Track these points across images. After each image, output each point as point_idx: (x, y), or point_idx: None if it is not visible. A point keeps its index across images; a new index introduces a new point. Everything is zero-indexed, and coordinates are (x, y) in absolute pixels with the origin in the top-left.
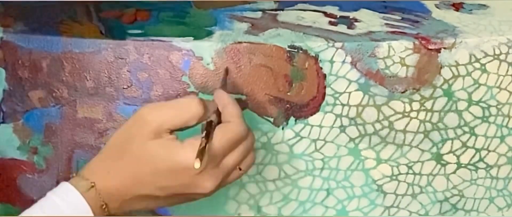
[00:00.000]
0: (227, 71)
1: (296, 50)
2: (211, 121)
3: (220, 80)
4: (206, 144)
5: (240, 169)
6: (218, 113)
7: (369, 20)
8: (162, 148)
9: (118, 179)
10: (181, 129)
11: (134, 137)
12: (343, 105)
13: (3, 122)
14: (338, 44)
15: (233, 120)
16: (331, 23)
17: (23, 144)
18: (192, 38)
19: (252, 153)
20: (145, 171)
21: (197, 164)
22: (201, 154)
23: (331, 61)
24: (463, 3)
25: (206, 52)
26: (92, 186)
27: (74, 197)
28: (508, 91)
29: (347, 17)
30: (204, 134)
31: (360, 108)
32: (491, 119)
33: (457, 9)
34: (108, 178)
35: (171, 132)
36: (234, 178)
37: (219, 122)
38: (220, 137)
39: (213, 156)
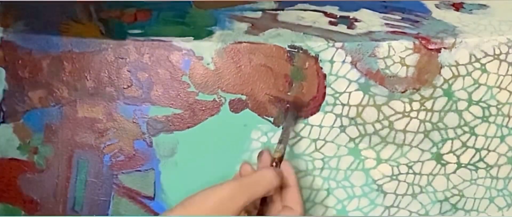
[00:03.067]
0: (288, 108)
1: (296, 50)
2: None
3: (287, 118)
4: None
5: None
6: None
7: (369, 20)
8: None
9: None
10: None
11: (219, 212)
12: (343, 105)
13: (3, 122)
14: (338, 44)
15: (297, 209)
16: (331, 23)
17: (23, 144)
18: (192, 38)
19: None
20: None
21: None
22: None
23: (331, 61)
24: (463, 3)
25: (206, 52)
26: None
27: None
28: (508, 91)
29: (347, 17)
30: None
31: (360, 108)
32: (491, 119)
33: (457, 9)
34: None
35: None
36: None
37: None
38: None
39: None
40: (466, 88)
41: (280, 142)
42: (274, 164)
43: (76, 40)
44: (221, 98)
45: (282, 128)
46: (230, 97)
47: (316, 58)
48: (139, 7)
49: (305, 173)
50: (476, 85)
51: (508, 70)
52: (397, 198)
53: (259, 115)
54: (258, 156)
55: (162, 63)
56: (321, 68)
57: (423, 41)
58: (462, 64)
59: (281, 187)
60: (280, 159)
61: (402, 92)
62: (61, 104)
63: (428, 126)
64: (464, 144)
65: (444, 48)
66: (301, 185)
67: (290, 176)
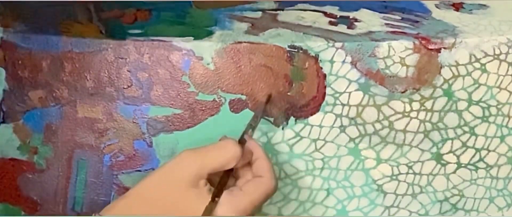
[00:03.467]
0: (269, 98)
1: (296, 50)
2: (231, 170)
3: (259, 104)
4: (213, 198)
5: None
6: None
7: (369, 20)
8: (199, 198)
9: None
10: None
11: (172, 184)
12: (343, 105)
13: (3, 122)
14: (338, 44)
15: (265, 175)
16: (331, 23)
17: (23, 144)
18: (192, 38)
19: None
20: None
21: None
22: (208, 211)
23: (331, 61)
24: (463, 3)
25: (206, 52)
26: None
27: None
28: (508, 91)
29: (347, 17)
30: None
31: (360, 108)
32: (491, 119)
33: (457, 9)
34: None
35: (208, 179)
36: None
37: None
38: (254, 191)
39: (248, 211)
40: (466, 88)
41: (246, 128)
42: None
43: (76, 40)
44: (221, 98)
45: (254, 115)
46: (230, 97)
47: (316, 58)
48: (139, 7)
49: (305, 173)
50: (476, 85)
51: (508, 70)
52: (397, 198)
53: None
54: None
55: (162, 63)
56: (321, 68)
57: (423, 41)
58: (462, 64)
59: (250, 163)
60: (243, 142)
61: (402, 92)
62: (61, 104)
63: (428, 126)
64: (464, 144)
65: (444, 48)
66: (301, 185)
67: (256, 149)
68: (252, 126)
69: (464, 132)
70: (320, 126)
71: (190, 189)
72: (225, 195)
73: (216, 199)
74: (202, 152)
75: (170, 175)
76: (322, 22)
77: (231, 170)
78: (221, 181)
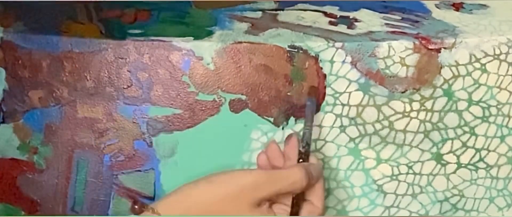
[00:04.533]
0: (314, 95)
1: (296, 50)
2: (300, 196)
3: (308, 107)
4: None
5: None
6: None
7: (369, 20)
8: None
9: None
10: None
11: (237, 198)
12: (343, 105)
13: (3, 122)
14: (338, 44)
15: (318, 204)
16: (331, 23)
17: (23, 144)
18: (192, 38)
19: None
20: None
21: None
22: None
23: (331, 61)
24: (463, 3)
25: (206, 52)
26: None
27: None
28: (508, 91)
29: (347, 17)
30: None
31: (360, 108)
32: (491, 119)
33: (457, 9)
34: None
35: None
36: None
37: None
38: None
39: None
40: (466, 88)
41: (303, 135)
42: (300, 159)
43: (76, 40)
44: (221, 98)
45: (304, 121)
46: (230, 97)
47: (316, 58)
48: (139, 7)
49: None
50: (476, 85)
51: (508, 70)
52: (397, 198)
53: (259, 115)
54: (287, 139)
55: (162, 63)
56: (321, 68)
57: (423, 41)
58: (462, 64)
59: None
60: (307, 154)
61: (402, 92)
62: (61, 104)
63: (428, 126)
64: (464, 144)
65: (444, 48)
66: None
67: (316, 172)
68: (306, 135)
69: (464, 132)
70: (320, 126)
71: (254, 209)
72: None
73: None
74: (274, 179)
75: (238, 190)
76: (322, 22)
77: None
78: (293, 208)
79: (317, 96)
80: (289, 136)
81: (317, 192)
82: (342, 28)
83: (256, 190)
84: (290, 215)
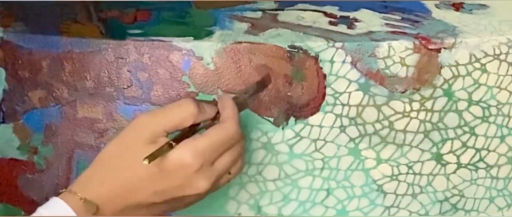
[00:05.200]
0: (264, 83)
1: (296, 50)
2: (197, 124)
3: (248, 88)
4: (166, 144)
5: (229, 173)
6: (217, 116)
7: (369, 20)
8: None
9: (113, 189)
10: (182, 132)
11: (130, 144)
12: (343, 105)
13: (3, 122)
14: (338, 44)
15: (228, 122)
16: (331, 23)
17: (23, 144)
18: (192, 38)
19: (242, 158)
20: (141, 176)
21: (145, 161)
22: (155, 154)
23: (331, 61)
24: (463, 3)
25: (206, 52)
26: (83, 200)
27: (64, 211)
28: (508, 91)
29: (347, 17)
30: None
31: (360, 108)
32: (491, 119)
33: (457, 9)
34: (102, 189)
35: (167, 135)
36: (224, 182)
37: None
38: (213, 135)
39: (207, 154)
40: (466, 88)
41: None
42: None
43: (76, 40)
44: None
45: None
46: None
47: (316, 58)
48: (139, 7)
49: (305, 173)
50: (476, 85)
51: (508, 70)
52: (397, 198)
53: (259, 115)
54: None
55: (162, 63)
56: (321, 68)
57: (423, 41)
58: (462, 64)
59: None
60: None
61: (402, 92)
62: (61, 104)
63: (428, 126)
64: (464, 144)
65: (444, 48)
66: (301, 185)
67: (225, 102)
68: (239, 98)
69: (464, 132)
70: (320, 126)
71: (149, 145)
72: (184, 140)
73: (174, 144)
74: (156, 112)
75: (127, 138)
76: (322, 22)
77: (196, 125)
78: (182, 132)
79: (266, 84)
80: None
81: (226, 114)
82: (342, 28)
83: (141, 127)
84: (176, 136)
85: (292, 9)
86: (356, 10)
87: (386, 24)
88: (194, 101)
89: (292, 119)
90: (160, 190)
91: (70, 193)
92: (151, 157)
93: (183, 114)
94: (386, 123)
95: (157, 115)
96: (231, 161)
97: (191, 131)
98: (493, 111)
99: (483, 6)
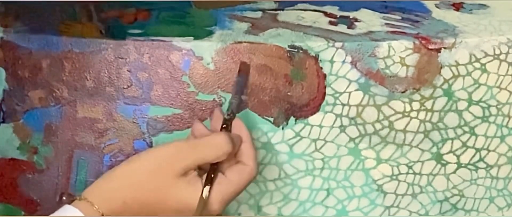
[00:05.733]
0: (244, 72)
1: (296, 50)
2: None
3: (237, 82)
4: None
5: None
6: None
7: (369, 20)
8: (189, 186)
9: (135, 212)
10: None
11: (163, 172)
12: (343, 105)
13: (3, 122)
14: (338, 44)
15: (250, 164)
16: (331, 23)
17: (23, 144)
18: (192, 38)
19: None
20: (167, 210)
21: (205, 192)
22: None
23: (331, 61)
24: (463, 3)
25: (206, 52)
26: (102, 214)
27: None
28: (508, 91)
29: (347, 17)
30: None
31: (360, 108)
32: (491, 119)
33: (457, 9)
34: (124, 209)
35: (197, 168)
36: None
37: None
38: (239, 179)
39: (232, 198)
40: (466, 88)
41: (229, 104)
42: (224, 125)
43: (76, 40)
44: (221, 98)
45: (232, 93)
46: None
47: (316, 58)
48: (139, 7)
49: (305, 173)
50: (476, 85)
51: (508, 70)
52: (397, 198)
53: (259, 115)
54: (211, 114)
55: (162, 63)
56: (321, 68)
57: (423, 41)
58: (462, 64)
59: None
60: (231, 121)
61: (402, 92)
62: (61, 104)
63: (428, 126)
64: (464, 144)
65: (444, 48)
66: (301, 185)
67: (242, 132)
68: (234, 104)
69: (464, 132)
70: (320, 126)
71: (180, 178)
72: (214, 188)
73: (207, 187)
74: (195, 147)
75: (160, 163)
76: (322, 22)
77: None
78: (210, 173)
79: (247, 72)
80: (214, 110)
81: (247, 152)
82: (342, 28)
83: (178, 159)
84: (206, 181)
85: (292, 9)
86: (356, 10)
87: (386, 24)
88: (229, 139)
89: (292, 119)
90: None
91: (87, 202)
92: (198, 211)
93: (220, 152)
94: (386, 122)
95: (195, 148)
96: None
97: (216, 167)
98: (493, 110)
99: (483, 6)
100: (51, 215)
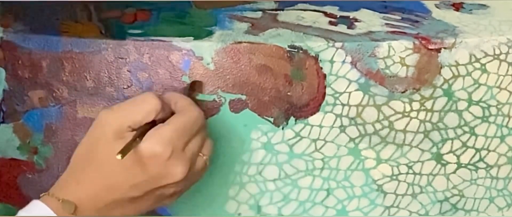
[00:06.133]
0: (193, 88)
1: (296, 50)
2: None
3: (184, 89)
4: (135, 138)
5: (203, 156)
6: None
7: (369, 20)
8: (124, 142)
9: (90, 188)
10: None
11: (97, 142)
12: (343, 105)
13: (3, 122)
14: (338, 44)
15: (187, 108)
16: (331, 23)
17: (23, 144)
18: (192, 38)
19: (209, 138)
20: (115, 172)
21: (118, 156)
22: (127, 148)
23: (331, 61)
24: (463, 3)
25: (206, 52)
26: (61, 200)
27: (44, 212)
28: (508, 91)
29: (347, 17)
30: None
31: (360, 108)
32: (491, 119)
33: (457, 9)
34: (79, 190)
35: (133, 129)
36: (202, 166)
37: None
38: (176, 121)
39: (174, 140)
40: (466, 88)
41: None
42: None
43: (76, 40)
44: (221, 98)
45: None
46: (230, 97)
47: (316, 58)
48: (139, 7)
49: (305, 173)
50: (476, 85)
51: (508, 70)
52: (397, 198)
53: (259, 115)
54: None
55: (162, 63)
56: (321, 68)
57: (423, 41)
58: (462, 64)
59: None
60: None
61: (402, 92)
62: (61, 104)
63: (428, 126)
64: (464, 144)
65: (444, 48)
66: (301, 185)
67: (176, 95)
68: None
69: (464, 132)
70: (320, 126)
71: (116, 141)
72: (149, 131)
73: (137, 139)
74: (119, 108)
75: (94, 136)
76: (322, 22)
77: (154, 122)
78: (142, 130)
79: (200, 91)
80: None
81: (182, 103)
82: (342, 28)
83: (110, 124)
84: (136, 133)
85: (292, 9)
86: (356, 10)
87: (386, 24)
88: (157, 96)
89: (292, 119)
90: (137, 183)
91: (49, 195)
92: (123, 152)
93: (147, 108)
94: (386, 123)
95: (120, 110)
96: (200, 142)
97: (152, 126)
98: (493, 110)
99: (483, 6)
100: (20, 211)
